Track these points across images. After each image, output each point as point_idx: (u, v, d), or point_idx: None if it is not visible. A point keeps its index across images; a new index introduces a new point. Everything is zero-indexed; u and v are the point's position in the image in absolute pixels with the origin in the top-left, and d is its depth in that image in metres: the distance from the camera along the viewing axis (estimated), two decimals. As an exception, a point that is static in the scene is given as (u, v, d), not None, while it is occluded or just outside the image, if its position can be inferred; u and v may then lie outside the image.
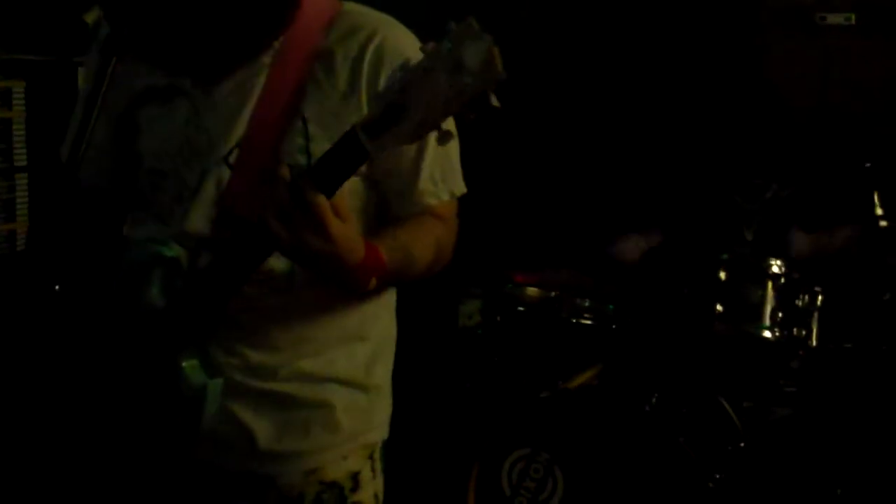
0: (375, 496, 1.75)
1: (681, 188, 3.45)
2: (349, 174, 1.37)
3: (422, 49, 1.28)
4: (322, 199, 1.35)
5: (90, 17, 1.45)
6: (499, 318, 3.35)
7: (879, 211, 2.87)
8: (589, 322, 3.29)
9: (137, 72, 1.63)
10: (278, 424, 1.64)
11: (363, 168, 1.43)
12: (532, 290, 3.37)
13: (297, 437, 1.65)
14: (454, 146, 1.67)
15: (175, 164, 1.62)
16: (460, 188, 1.69)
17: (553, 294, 3.33)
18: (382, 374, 1.75)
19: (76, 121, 1.56)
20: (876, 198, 2.87)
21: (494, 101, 1.25)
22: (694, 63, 3.89)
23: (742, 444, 2.98)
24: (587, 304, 3.32)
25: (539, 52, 3.96)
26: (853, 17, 3.80)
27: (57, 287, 1.67)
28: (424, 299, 3.89)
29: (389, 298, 1.75)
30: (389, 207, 1.66)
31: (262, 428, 1.63)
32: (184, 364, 1.53)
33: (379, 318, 1.73)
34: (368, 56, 1.57)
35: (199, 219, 1.59)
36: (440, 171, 1.65)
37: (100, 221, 1.80)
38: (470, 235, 3.71)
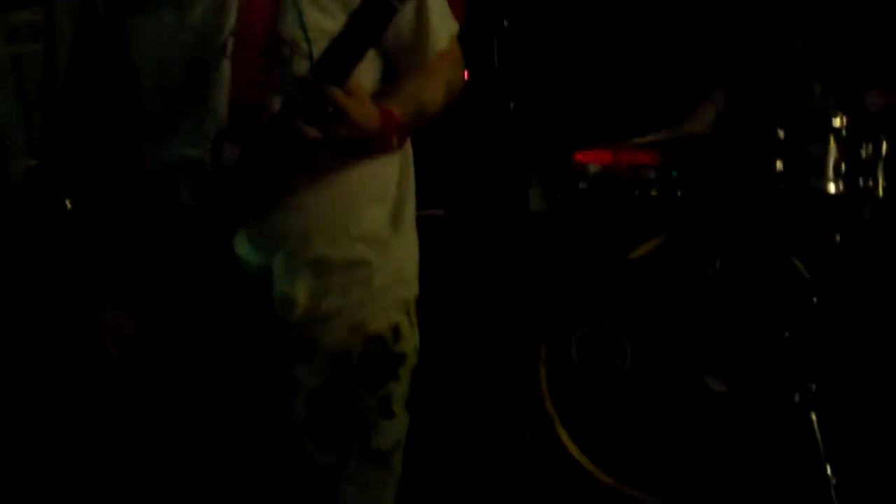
0: (415, 349, 1.82)
1: (740, 39, 3.32)
2: (376, 38, 1.44)
3: None
4: (337, 94, 1.43)
5: None
6: (559, 197, 3.33)
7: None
8: (653, 193, 3.25)
9: None
10: (317, 290, 1.70)
11: None
12: (593, 167, 3.34)
13: (336, 298, 1.71)
14: None
15: (175, 72, 1.63)
16: (456, 25, 1.78)
17: (614, 168, 3.29)
18: (408, 229, 1.82)
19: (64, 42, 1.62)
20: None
21: (505, 25, 1.36)
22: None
23: (815, 300, 2.93)
24: (651, 174, 3.28)
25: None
26: None
27: (68, 203, 1.73)
28: (492, 187, 3.91)
29: (396, 158, 1.78)
30: (398, 65, 1.72)
31: (302, 295, 1.69)
32: (240, 252, 1.60)
33: (390, 181, 1.78)
34: None
35: (211, 116, 1.62)
36: (438, 16, 1.72)
37: (103, 133, 1.81)
38: (530, 119, 3.71)
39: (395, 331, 1.77)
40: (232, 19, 1.59)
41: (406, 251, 1.82)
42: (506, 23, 3.33)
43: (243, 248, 1.61)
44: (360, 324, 1.73)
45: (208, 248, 1.60)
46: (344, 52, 1.43)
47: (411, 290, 1.83)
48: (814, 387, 2.87)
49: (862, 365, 2.92)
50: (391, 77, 1.72)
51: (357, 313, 1.73)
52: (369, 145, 1.58)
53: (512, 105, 3.64)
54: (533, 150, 3.56)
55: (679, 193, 3.19)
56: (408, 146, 1.80)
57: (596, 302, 3.06)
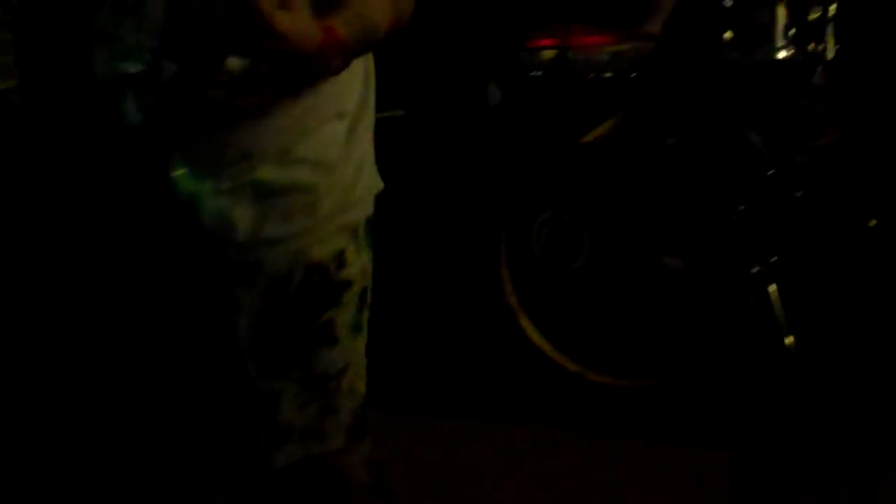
0: (363, 270, 1.75)
1: None
2: None
3: None
4: (267, 4, 1.29)
5: None
6: (513, 87, 3.27)
7: None
8: (608, 75, 3.19)
9: None
10: (259, 213, 1.64)
11: None
12: (546, 52, 3.27)
13: (278, 223, 1.65)
14: None
15: None
16: None
17: (567, 51, 3.23)
18: (364, 148, 1.72)
19: None
20: None
21: None
22: None
23: (770, 173, 2.88)
24: (605, 56, 3.21)
25: None
26: None
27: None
28: (448, 82, 3.86)
29: (360, 65, 1.68)
30: None
31: (243, 219, 1.64)
32: (174, 174, 1.55)
33: (353, 90, 1.69)
34: None
35: (149, 27, 1.54)
36: None
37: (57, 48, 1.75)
38: (486, 12, 3.63)
39: (340, 258, 1.70)
40: None
41: (356, 171, 1.71)
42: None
43: (180, 174, 1.56)
44: (301, 251, 1.67)
45: (150, 167, 1.56)
46: None
47: (360, 212, 1.73)
48: (773, 259, 2.84)
49: (823, 236, 2.88)
50: None
51: (299, 241, 1.66)
52: (307, 66, 1.42)
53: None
54: (489, 44, 3.50)
55: (632, 74, 3.13)
56: (369, 55, 1.70)
57: (552, 188, 3.02)
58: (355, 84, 1.69)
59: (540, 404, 3.01)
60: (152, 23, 1.54)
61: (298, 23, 1.34)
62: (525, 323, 3.08)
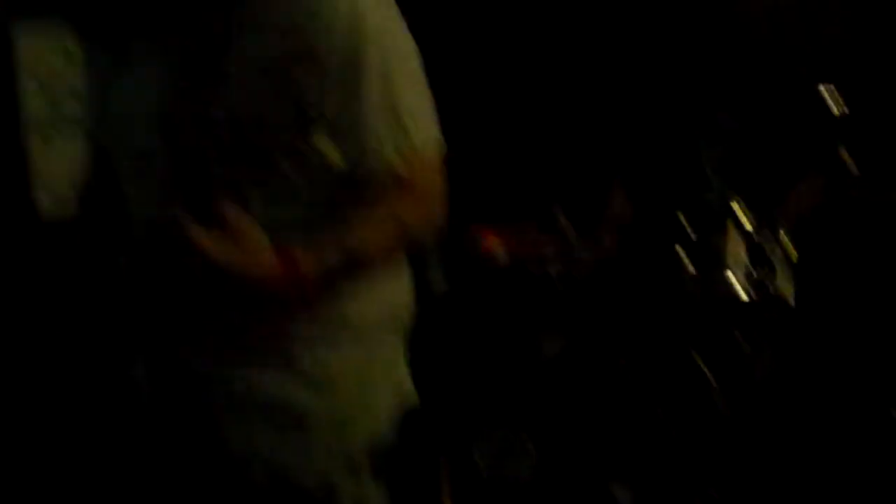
0: None
1: (640, 132, 3.26)
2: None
3: None
4: (194, 230, 1.25)
5: None
6: (461, 283, 3.22)
7: (848, 160, 2.70)
8: (557, 286, 3.16)
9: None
10: (243, 426, 1.52)
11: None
12: (497, 249, 3.24)
13: (267, 437, 1.52)
14: (408, 86, 1.44)
15: (114, 140, 1.52)
16: (425, 135, 1.45)
17: (519, 253, 3.20)
18: (376, 369, 1.58)
19: None
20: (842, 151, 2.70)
21: None
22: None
23: (718, 402, 2.88)
24: (555, 263, 3.19)
25: None
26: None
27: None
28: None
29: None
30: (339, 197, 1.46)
31: (233, 433, 1.51)
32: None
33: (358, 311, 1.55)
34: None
35: (146, 202, 1.48)
36: (384, 121, 1.41)
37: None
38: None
39: (329, 490, 1.53)
40: (163, 100, 1.44)
41: (360, 391, 1.56)
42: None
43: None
44: (287, 471, 1.53)
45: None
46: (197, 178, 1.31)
47: (363, 441, 1.56)
48: (715, 492, 2.83)
49: (767, 469, 2.89)
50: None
51: (286, 459, 1.53)
52: (267, 294, 1.35)
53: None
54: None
55: (584, 283, 3.11)
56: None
57: (500, 404, 2.96)
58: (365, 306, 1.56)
59: None
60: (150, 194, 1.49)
61: (245, 253, 1.29)
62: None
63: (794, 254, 2.81)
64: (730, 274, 2.83)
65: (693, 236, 2.87)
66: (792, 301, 2.78)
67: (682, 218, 2.88)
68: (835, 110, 2.76)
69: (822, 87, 2.86)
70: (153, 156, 1.46)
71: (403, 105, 1.43)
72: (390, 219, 1.44)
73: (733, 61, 3.31)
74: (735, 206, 2.86)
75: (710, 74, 3.28)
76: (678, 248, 2.87)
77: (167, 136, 1.43)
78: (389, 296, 1.60)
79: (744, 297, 2.76)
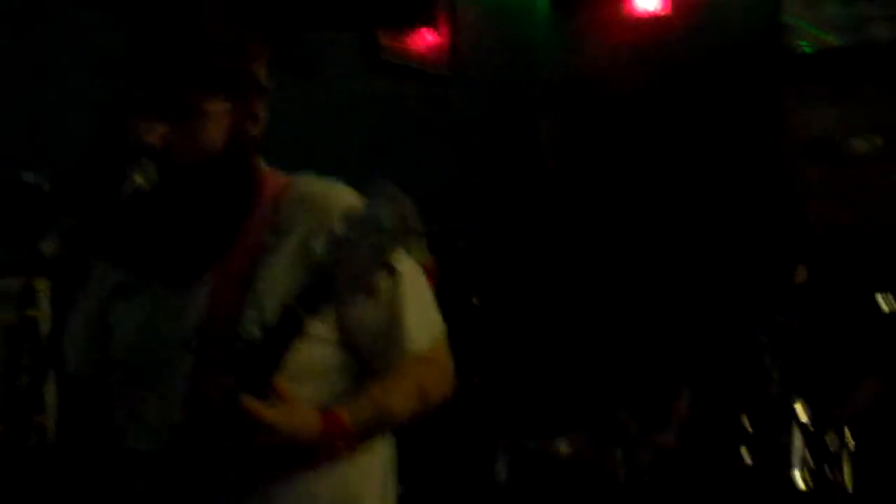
0: None
1: (702, 332, 3.36)
2: (287, 347, 1.42)
3: (346, 216, 1.39)
4: (250, 402, 1.40)
5: (48, 248, 1.45)
6: (524, 477, 3.27)
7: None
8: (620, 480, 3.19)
9: (107, 275, 1.68)
10: None
11: (329, 334, 1.55)
12: (563, 446, 3.29)
13: None
14: (420, 286, 1.67)
15: (141, 361, 1.63)
16: (440, 328, 1.69)
17: (583, 449, 3.25)
18: None
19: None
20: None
21: (475, 300, 1.34)
22: (717, 194, 3.84)
23: None
24: (619, 455, 3.23)
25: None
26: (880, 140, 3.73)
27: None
28: (460, 453, 3.85)
29: (382, 452, 1.71)
30: (370, 363, 1.65)
31: None
32: None
33: (372, 475, 1.70)
34: (322, 231, 1.57)
35: (169, 409, 1.59)
36: (416, 317, 1.64)
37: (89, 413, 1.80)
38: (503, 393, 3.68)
39: None
40: (199, 315, 1.59)
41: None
42: (475, 300, 3.37)
43: None
44: None
45: None
46: (263, 360, 1.42)
47: None
48: None
49: None
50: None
51: None
52: (307, 451, 1.52)
53: (476, 380, 3.64)
54: (498, 425, 3.52)
55: (647, 480, 3.13)
56: (382, 448, 1.73)
57: None
58: (375, 470, 1.70)
59: None
60: (172, 406, 1.58)
61: (290, 416, 1.44)
62: None
63: (851, 444, 2.80)
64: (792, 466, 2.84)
65: (752, 430, 2.90)
66: (851, 488, 2.76)
67: (743, 415, 2.93)
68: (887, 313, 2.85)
69: (878, 295, 2.96)
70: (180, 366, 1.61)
71: (427, 299, 1.70)
72: (416, 386, 1.65)
73: (793, 263, 3.44)
74: (794, 401, 2.90)
75: (771, 275, 3.40)
76: (739, 442, 2.90)
77: (204, 341, 1.59)
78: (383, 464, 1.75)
79: (801, 486, 2.75)
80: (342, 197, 1.63)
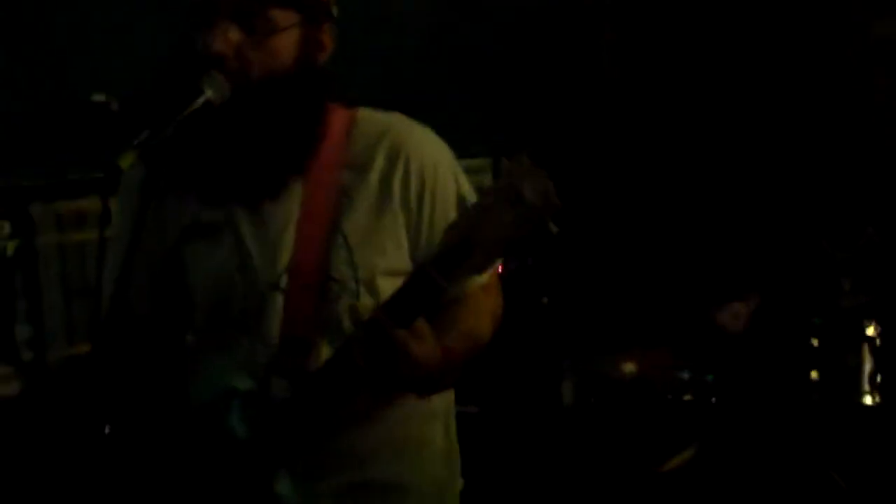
0: None
1: (773, 242, 3.30)
2: (426, 309, 1.47)
3: (482, 188, 1.43)
4: (402, 334, 1.44)
5: (125, 162, 1.43)
6: (593, 399, 3.28)
7: None
8: (688, 398, 3.19)
9: (180, 210, 1.66)
10: None
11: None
12: (628, 367, 3.30)
13: None
14: None
15: (230, 302, 1.64)
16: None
17: (649, 371, 3.25)
18: (453, 439, 1.79)
19: (115, 260, 1.61)
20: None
21: (553, 228, 1.39)
22: (790, 102, 3.74)
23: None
24: (685, 377, 3.23)
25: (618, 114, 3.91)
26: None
27: (106, 429, 1.70)
28: (525, 376, 3.88)
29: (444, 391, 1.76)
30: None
31: None
32: (279, 489, 1.56)
33: (437, 416, 1.75)
34: (399, 167, 1.64)
35: (263, 348, 1.62)
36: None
37: (150, 356, 1.80)
38: (568, 315, 3.69)
39: None
40: (286, 256, 1.61)
41: (449, 469, 1.78)
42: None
43: (284, 487, 1.57)
44: None
45: (250, 483, 1.57)
46: (408, 301, 1.46)
47: None
48: None
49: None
50: None
51: None
52: (427, 383, 1.55)
53: (545, 300, 3.65)
54: (565, 345, 3.53)
55: (713, 399, 3.13)
56: None
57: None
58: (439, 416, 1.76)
59: None
60: (266, 345, 1.61)
61: (428, 350, 1.47)
62: None
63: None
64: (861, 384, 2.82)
65: (820, 344, 2.87)
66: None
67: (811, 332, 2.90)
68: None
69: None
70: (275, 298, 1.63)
71: None
72: (491, 314, 1.72)
73: (874, 175, 3.36)
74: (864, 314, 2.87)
75: (848, 187, 3.33)
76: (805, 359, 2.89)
77: (294, 281, 1.61)
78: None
79: (868, 401, 2.74)
80: (413, 133, 1.68)
